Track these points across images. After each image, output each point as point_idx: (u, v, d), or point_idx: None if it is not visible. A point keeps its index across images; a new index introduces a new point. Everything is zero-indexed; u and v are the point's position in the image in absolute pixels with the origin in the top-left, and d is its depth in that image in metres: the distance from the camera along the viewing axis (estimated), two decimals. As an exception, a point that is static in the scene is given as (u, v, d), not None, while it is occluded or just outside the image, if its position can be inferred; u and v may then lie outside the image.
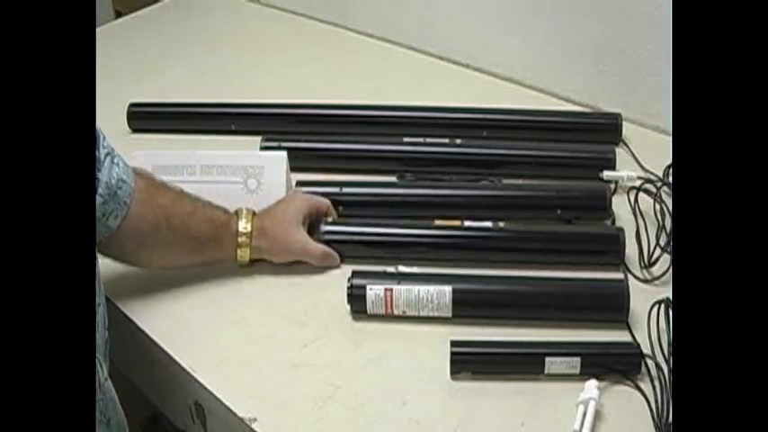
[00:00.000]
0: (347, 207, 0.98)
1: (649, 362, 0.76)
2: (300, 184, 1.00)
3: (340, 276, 0.88)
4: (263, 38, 1.52)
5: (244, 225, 0.89)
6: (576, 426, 0.71)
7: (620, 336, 0.80)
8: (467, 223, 0.91)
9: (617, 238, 0.89)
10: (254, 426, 0.74)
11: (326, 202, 0.95)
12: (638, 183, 0.97)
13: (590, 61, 1.16)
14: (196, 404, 0.83)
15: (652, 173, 1.01)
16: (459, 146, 1.07)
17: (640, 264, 0.89)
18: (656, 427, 0.71)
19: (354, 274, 0.85)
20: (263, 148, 1.07)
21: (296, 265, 0.91)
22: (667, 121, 1.09)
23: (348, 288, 0.84)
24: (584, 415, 0.71)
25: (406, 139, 1.09)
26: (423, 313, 0.83)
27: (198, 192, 0.91)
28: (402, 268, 0.88)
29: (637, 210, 0.95)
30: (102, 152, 0.80)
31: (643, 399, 0.73)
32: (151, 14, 1.66)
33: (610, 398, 0.74)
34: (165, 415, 0.96)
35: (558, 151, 1.06)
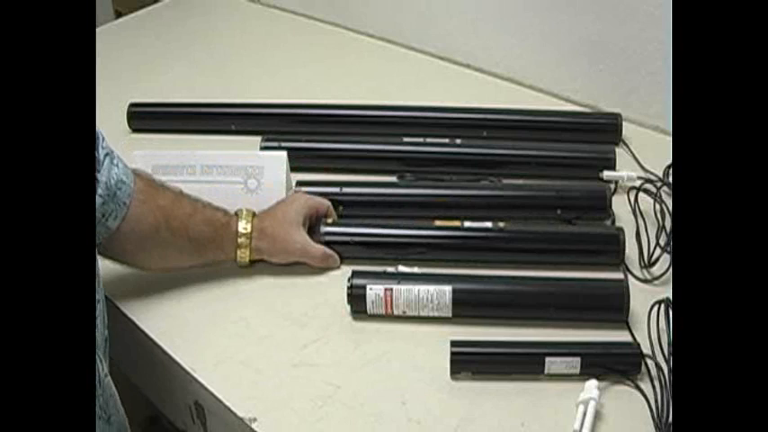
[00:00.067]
0: (347, 207, 0.98)
1: (649, 362, 0.76)
2: (300, 184, 1.00)
3: (340, 276, 0.88)
4: (263, 38, 1.52)
5: (243, 226, 0.89)
6: (576, 426, 0.71)
7: (620, 336, 0.80)
8: (467, 224, 0.91)
9: (617, 238, 0.89)
10: (254, 426, 0.74)
11: (326, 203, 0.95)
12: (638, 183, 0.97)
13: (590, 61, 1.16)
14: (196, 404, 0.83)
15: (652, 173, 1.01)
16: (459, 146, 1.07)
17: (640, 264, 0.89)
18: (656, 427, 0.71)
19: (354, 274, 0.85)
20: (263, 148, 1.07)
21: (296, 266, 0.91)
22: (667, 121, 1.09)
23: (348, 288, 0.84)
24: (584, 415, 0.71)
25: (406, 139, 1.09)
26: (423, 313, 0.83)
27: (198, 192, 0.91)
28: (402, 268, 0.88)
29: (637, 210, 0.95)
30: (101, 153, 0.80)
31: (643, 399, 0.74)
32: (151, 14, 1.66)
33: (610, 398, 0.74)
34: (165, 415, 0.96)
35: (558, 151, 1.06)
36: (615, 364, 0.76)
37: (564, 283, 0.84)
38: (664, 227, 0.91)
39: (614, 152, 1.04)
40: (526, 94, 1.23)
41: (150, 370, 0.88)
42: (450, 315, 0.83)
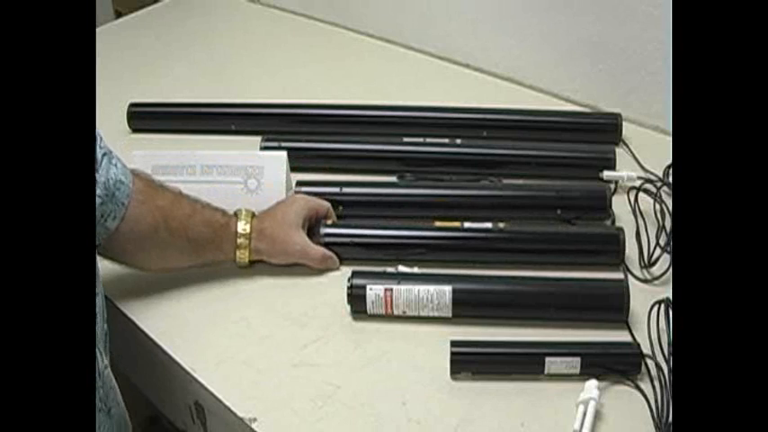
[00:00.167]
0: (347, 207, 0.98)
1: (649, 362, 0.76)
2: (300, 184, 1.00)
3: (340, 277, 0.89)
4: (263, 38, 1.52)
5: (243, 226, 0.89)
6: (576, 426, 0.71)
7: (620, 336, 0.80)
8: (467, 224, 0.91)
9: (617, 238, 0.89)
10: (254, 426, 0.74)
11: (326, 204, 0.95)
12: (638, 183, 0.97)
13: (590, 61, 1.16)
14: (196, 404, 0.83)
15: (652, 173, 1.01)
16: (459, 146, 1.07)
17: (640, 264, 0.89)
18: (656, 427, 0.71)
19: (354, 274, 0.85)
20: (263, 148, 1.07)
21: (296, 266, 0.91)
22: (667, 121, 1.09)
23: (348, 288, 0.84)
24: (584, 415, 0.71)
25: (406, 139, 1.09)
26: (423, 313, 0.83)
27: (198, 192, 0.91)
28: (402, 268, 0.88)
29: (637, 210, 0.95)
30: (98, 153, 0.80)
31: (643, 399, 0.74)
32: (151, 14, 1.66)
33: (610, 398, 0.74)
34: (165, 415, 0.96)
35: (558, 151, 1.06)
36: (615, 364, 0.76)
37: (564, 283, 0.84)
38: (664, 227, 0.91)
39: (614, 152, 1.04)
40: (526, 94, 1.23)
41: (150, 370, 0.88)
42: (450, 315, 0.83)
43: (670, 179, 0.99)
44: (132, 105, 1.22)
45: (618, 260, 0.89)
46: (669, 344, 0.76)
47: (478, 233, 0.91)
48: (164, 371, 0.85)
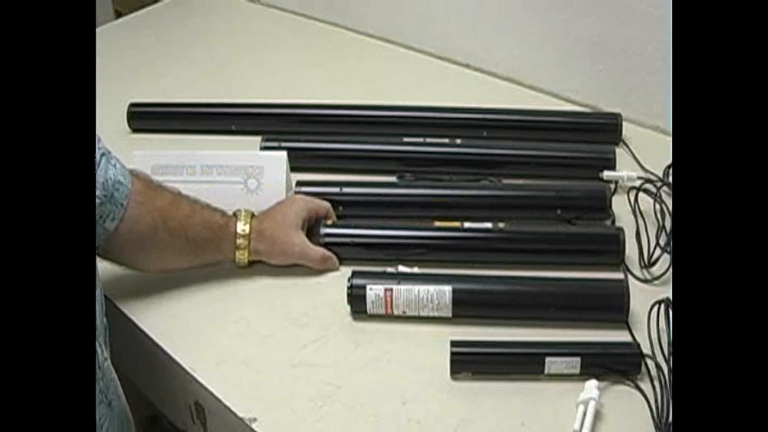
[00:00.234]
0: (347, 207, 0.98)
1: (649, 362, 0.76)
2: (300, 184, 1.00)
3: (340, 277, 0.88)
4: (263, 38, 1.52)
5: (242, 227, 0.88)
6: (576, 426, 0.71)
7: (620, 336, 0.80)
8: (466, 224, 0.91)
9: (617, 238, 0.89)
10: (254, 426, 0.74)
11: (326, 205, 0.95)
12: (638, 183, 0.97)
13: (590, 61, 1.16)
14: (196, 404, 0.83)
15: (652, 173, 1.01)
16: (459, 146, 1.07)
17: (640, 264, 0.89)
18: (656, 427, 0.71)
19: (354, 274, 0.85)
20: (263, 148, 1.07)
21: (296, 266, 0.91)
22: (667, 121, 1.09)
23: (348, 288, 0.84)
24: (584, 415, 0.71)
25: (406, 139, 1.09)
26: (423, 313, 0.83)
27: (198, 192, 0.90)
28: (402, 268, 0.88)
29: (637, 210, 0.95)
30: (97, 153, 0.79)
31: (643, 399, 0.74)
32: (151, 14, 1.66)
33: (610, 398, 0.74)
34: (165, 415, 0.96)
35: (558, 151, 1.06)
36: (615, 364, 0.76)
37: (564, 283, 0.84)
38: (664, 227, 0.91)
39: (614, 152, 1.04)
40: (526, 94, 1.23)
41: (150, 370, 0.88)
42: (450, 315, 0.83)
43: (670, 179, 0.99)
44: (132, 105, 1.22)
45: (618, 260, 0.89)
46: (669, 344, 0.76)
47: (478, 233, 0.91)
48: (164, 371, 0.85)
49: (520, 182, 1.02)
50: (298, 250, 0.90)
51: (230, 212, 0.90)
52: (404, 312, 0.83)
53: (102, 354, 0.74)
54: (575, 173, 1.02)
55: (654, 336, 0.78)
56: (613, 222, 0.95)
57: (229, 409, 0.76)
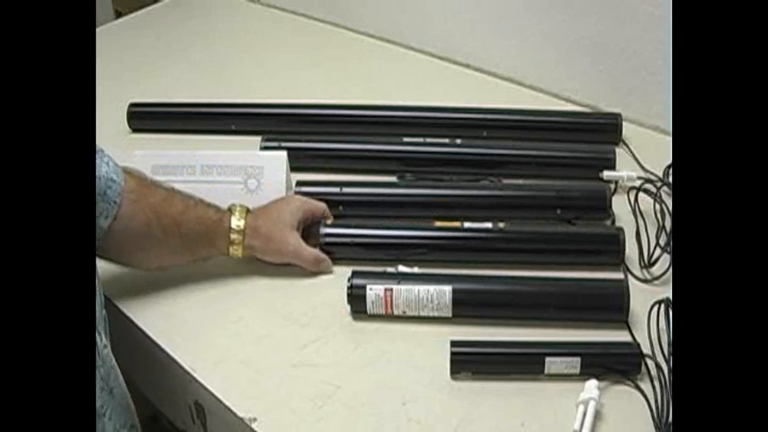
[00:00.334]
0: (347, 207, 0.98)
1: (649, 362, 0.76)
2: (300, 184, 1.00)
3: (340, 276, 0.88)
4: (263, 38, 1.52)
5: (236, 222, 0.88)
6: (576, 426, 0.71)
7: (620, 336, 0.80)
8: (467, 224, 0.91)
9: (617, 238, 0.89)
10: (254, 426, 0.74)
11: (323, 206, 0.94)
12: (638, 183, 0.97)
13: (590, 61, 1.16)
14: (196, 404, 0.83)
15: (652, 173, 1.01)
16: (459, 146, 1.07)
17: (640, 264, 0.89)
18: (656, 427, 0.71)
19: (354, 274, 0.85)
20: (263, 148, 1.07)
21: (296, 266, 0.91)
22: (667, 121, 1.09)
23: (348, 288, 0.84)
24: (584, 415, 0.71)
25: (406, 139, 1.09)
26: (423, 313, 0.83)
27: (197, 192, 0.90)
28: (402, 268, 0.88)
29: (637, 210, 0.95)
30: None
31: (643, 399, 0.73)
32: (151, 14, 1.66)
33: (610, 398, 0.74)
34: (165, 415, 0.96)
35: (558, 151, 1.06)
36: (615, 364, 0.76)
37: (564, 283, 0.84)
38: (664, 227, 0.91)
39: (614, 152, 1.04)
40: (526, 94, 1.23)
41: (150, 369, 0.88)
42: (450, 315, 0.83)
43: (670, 179, 0.99)
44: (132, 105, 1.22)
45: (618, 260, 0.89)
46: (669, 344, 0.76)
47: (478, 233, 0.91)
48: (163, 370, 0.85)
49: (520, 182, 1.02)
50: (292, 250, 0.90)
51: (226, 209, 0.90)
52: (404, 312, 0.83)
53: (102, 341, 0.74)
54: (575, 173, 1.02)
55: (654, 336, 0.78)
56: (613, 222, 0.95)
57: (229, 408, 0.76)
